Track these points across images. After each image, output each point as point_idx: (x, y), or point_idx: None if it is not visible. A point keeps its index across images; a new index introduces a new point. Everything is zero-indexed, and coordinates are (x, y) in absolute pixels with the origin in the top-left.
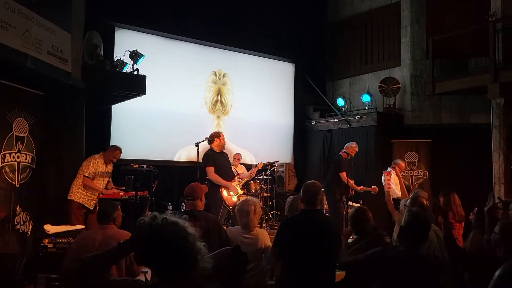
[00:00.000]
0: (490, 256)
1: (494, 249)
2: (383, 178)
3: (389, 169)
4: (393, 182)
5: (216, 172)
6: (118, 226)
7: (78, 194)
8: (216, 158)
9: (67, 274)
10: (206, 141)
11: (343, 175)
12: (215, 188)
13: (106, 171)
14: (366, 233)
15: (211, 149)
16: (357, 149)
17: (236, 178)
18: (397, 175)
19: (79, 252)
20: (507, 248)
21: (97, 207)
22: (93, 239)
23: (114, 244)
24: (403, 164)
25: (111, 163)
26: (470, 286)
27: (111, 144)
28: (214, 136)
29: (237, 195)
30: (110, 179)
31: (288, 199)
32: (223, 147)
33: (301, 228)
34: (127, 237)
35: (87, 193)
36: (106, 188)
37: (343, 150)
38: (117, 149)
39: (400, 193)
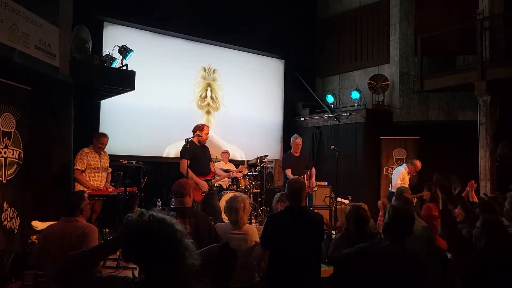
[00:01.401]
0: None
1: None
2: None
3: (403, 166)
4: (400, 178)
5: (191, 165)
6: (86, 216)
7: (81, 189)
8: (194, 151)
9: (54, 271)
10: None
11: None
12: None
13: (102, 165)
14: (367, 233)
15: (191, 141)
16: (297, 141)
17: (211, 175)
18: (408, 173)
19: (44, 246)
20: (487, 241)
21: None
22: (57, 233)
23: (76, 238)
24: (419, 165)
25: (107, 157)
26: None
27: None
28: (197, 129)
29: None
30: (108, 174)
31: (276, 195)
32: (205, 141)
33: (286, 224)
34: (92, 231)
35: (83, 188)
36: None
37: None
38: (101, 135)
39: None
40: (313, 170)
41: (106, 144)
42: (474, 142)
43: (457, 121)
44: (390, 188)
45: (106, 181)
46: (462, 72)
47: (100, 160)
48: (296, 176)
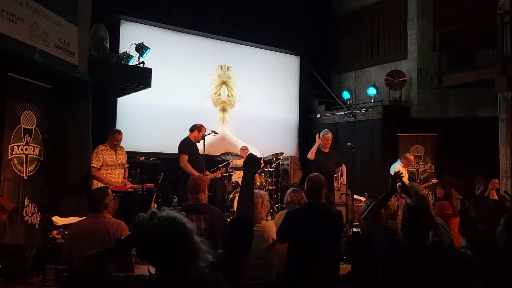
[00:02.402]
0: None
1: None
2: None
3: (398, 162)
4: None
5: (188, 161)
6: (112, 211)
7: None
8: (192, 148)
9: (71, 271)
10: (212, 134)
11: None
12: (186, 176)
13: (118, 162)
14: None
15: (188, 138)
16: (328, 136)
17: (205, 172)
18: (404, 167)
19: (72, 244)
20: (508, 238)
21: None
22: (84, 229)
23: (106, 234)
24: (413, 158)
25: (123, 152)
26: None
27: None
28: (195, 128)
29: None
30: (126, 169)
31: (288, 191)
32: (199, 141)
33: (305, 221)
34: (117, 227)
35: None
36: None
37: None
38: (115, 132)
39: None
40: (344, 167)
41: (120, 141)
42: (494, 139)
43: (477, 118)
44: None
45: (124, 177)
46: (482, 68)
47: (116, 157)
48: (317, 173)
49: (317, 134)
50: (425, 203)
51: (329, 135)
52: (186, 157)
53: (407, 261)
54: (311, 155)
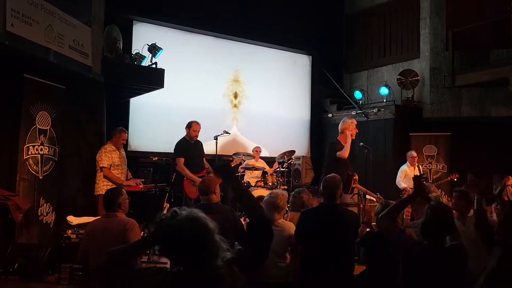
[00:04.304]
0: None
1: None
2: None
3: (404, 165)
4: (402, 174)
5: (184, 163)
6: (125, 211)
7: (104, 188)
8: (187, 148)
9: (93, 268)
10: (224, 134)
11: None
12: (181, 179)
13: (123, 161)
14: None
15: (183, 138)
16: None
17: (205, 172)
18: (411, 166)
19: (87, 243)
20: None
21: None
22: (98, 229)
23: (117, 233)
24: (415, 154)
25: (123, 152)
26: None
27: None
28: (186, 126)
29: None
30: (128, 170)
31: (293, 193)
32: (195, 137)
33: (319, 221)
34: (127, 224)
35: (112, 186)
36: (127, 178)
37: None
38: (123, 131)
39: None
40: None
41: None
42: (508, 139)
43: (491, 117)
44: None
45: (132, 178)
46: (496, 67)
47: (120, 156)
48: (333, 174)
49: (345, 130)
50: (447, 206)
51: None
52: (182, 160)
53: (428, 262)
54: (345, 153)
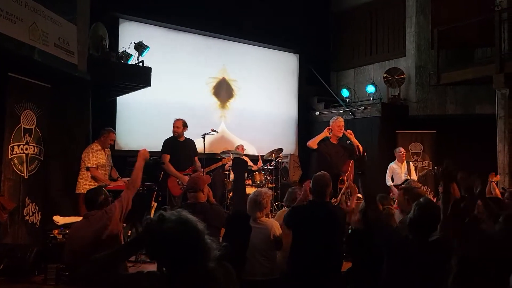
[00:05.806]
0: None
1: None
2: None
3: (393, 162)
4: (389, 172)
5: (170, 160)
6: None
7: (86, 187)
8: (174, 146)
9: (77, 274)
10: (212, 133)
11: None
12: (166, 177)
13: (108, 161)
14: None
15: (171, 136)
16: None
17: (191, 169)
18: (398, 162)
19: (70, 244)
20: (506, 236)
21: None
22: (79, 229)
23: (93, 230)
24: (402, 149)
25: (109, 151)
26: None
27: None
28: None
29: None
30: (113, 167)
31: (289, 189)
32: (177, 133)
33: (308, 218)
34: (102, 220)
35: (95, 184)
36: (111, 177)
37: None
38: (111, 132)
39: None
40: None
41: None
42: (492, 136)
43: (475, 115)
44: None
45: (119, 177)
46: (480, 65)
47: (106, 156)
48: (323, 172)
49: (327, 128)
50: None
51: (342, 120)
52: (167, 157)
53: (413, 257)
54: (312, 143)
